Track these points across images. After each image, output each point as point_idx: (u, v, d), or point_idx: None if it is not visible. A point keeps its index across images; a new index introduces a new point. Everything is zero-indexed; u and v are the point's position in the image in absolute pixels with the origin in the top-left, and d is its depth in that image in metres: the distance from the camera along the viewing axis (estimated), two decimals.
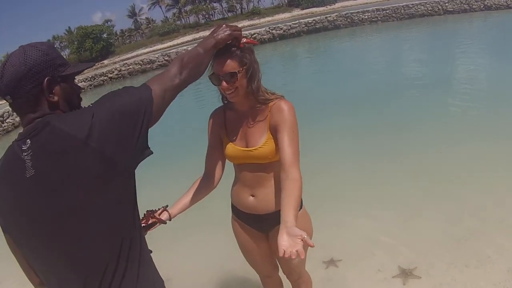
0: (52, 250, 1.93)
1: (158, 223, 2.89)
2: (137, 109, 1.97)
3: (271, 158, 2.99)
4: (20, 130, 1.97)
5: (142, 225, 2.78)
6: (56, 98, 1.96)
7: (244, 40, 2.85)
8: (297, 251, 2.08)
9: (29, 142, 1.87)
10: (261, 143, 2.96)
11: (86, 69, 2.16)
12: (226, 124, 3.19)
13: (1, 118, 27.68)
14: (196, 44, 2.50)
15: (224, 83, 2.83)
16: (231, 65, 2.79)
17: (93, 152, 1.81)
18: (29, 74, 1.87)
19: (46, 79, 1.91)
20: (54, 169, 1.83)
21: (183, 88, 2.27)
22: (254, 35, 44.21)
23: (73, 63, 2.08)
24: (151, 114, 2.02)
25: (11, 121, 28.24)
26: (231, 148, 3.10)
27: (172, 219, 2.98)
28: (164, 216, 2.94)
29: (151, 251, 2.34)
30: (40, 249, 1.96)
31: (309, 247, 2.16)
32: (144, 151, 2.02)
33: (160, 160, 11.42)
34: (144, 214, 2.89)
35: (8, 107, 28.36)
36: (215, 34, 2.55)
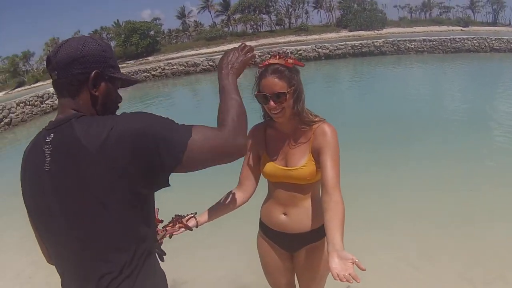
0: (62, 242, 1.96)
1: (184, 229, 2.89)
2: (168, 145, 1.83)
3: (309, 179, 2.99)
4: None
5: (167, 228, 2.79)
6: (97, 93, 1.98)
7: (291, 61, 2.86)
8: (350, 274, 2.09)
9: (52, 136, 1.91)
10: (302, 164, 2.96)
11: (133, 83, 2.23)
12: (267, 142, 3.20)
13: (41, 99, 28.56)
14: (222, 87, 2.24)
15: (271, 103, 2.83)
16: (279, 85, 2.80)
17: (102, 165, 1.79)
18: (82, 59, 1.91)
19: (95, 71, 1.94)
20: (66, 171, 1.85)
21: (234, 157, 2.00)
22: (300, 52, 44.30)
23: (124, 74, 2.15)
24: (179, 159, 1.85)
25: (50, 102, 29.21)
26: (271, 166, 3.10)
27: (198, 227, 2.97)
28: (191, 223, 2.93)
29: (162, 260, 2.33)
30: (53, 237, 2.01)
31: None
32: (161, 185, 1.94)
33: None
34: (172, 218, 2.91)
35: (49, 89, 29.26)
36: (230, 66, 2.30)
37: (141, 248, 1.97)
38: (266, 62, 2.91)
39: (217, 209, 3.11)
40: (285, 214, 3.13)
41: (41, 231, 2.06)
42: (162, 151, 1.81)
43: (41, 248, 2.22)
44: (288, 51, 43.84)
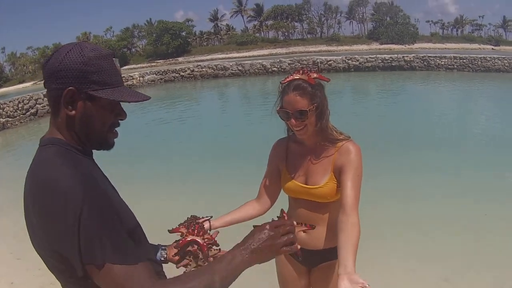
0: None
1: None
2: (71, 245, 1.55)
3: (330, 198, 2.93)
4: None
5: (181, 231, 2.80)
6: (73, 112, 1.76)
7: (315, 75, 2.81)
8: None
9: (35, 155, 1.81)
10: (323, 182, 2.91)
11: (131, 101, 1.81)
12: (288, 157, 3.16)
13: None
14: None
15: (293, 120, 2.79)
16: (301, 102, 2.75)
17: (30, 213, 1.68)
18: (58, 74, 1.73)
19: (68, 88, 1.72)
20: (29, 206, 1.71)
21: None
22: (330, 62, 44.00)
23: (123, 87, 1.85)
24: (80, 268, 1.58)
25: None
26: (290, 182, 3.06)
27: (211, 231, 2.93)
28: (205, 225, 2.88)
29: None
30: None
31: None
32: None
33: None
34: (188, 218, 2.90)
35: None
36: (253, 247, 1.74)
37: None
38: (289, 78, 2.85)
39: (233, 217, 3.11)
40: (304, 231, 3.13)
41: None
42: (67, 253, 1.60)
43: None
44: (318, 61, 43.83)
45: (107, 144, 1.91)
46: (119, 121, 1.92)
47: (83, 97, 1.74)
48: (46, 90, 1.80)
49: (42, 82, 1.83)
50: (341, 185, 2.79)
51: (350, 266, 2.28)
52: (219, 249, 2.29)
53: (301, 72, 2.84)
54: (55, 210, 1.56)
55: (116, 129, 1.94)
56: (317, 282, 3.29)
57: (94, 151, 1.94)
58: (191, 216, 2.87)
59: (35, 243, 1.76)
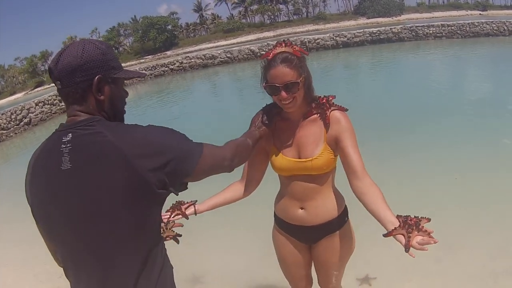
0: (78, 242, 1.96)
1: (180, 216, 3.00)
2: (183, 154, 2.06)
3: (325, 169, 2.90)
4: None
5: (166, 217, 2.94)
6: (102, 97, 2.03)
7: (297, 48, 2.78)
8: (417, 243, 2.11)
9: (71, 135, 1.92)
10: (317, 154, 2.85)
11: (137, 77, 2.32)
12: (274, 135, 3.07)
13: (60, 98, 29.19)
14: (244, 135, 2.73)
15: (283, 94, 2.72)
16: (291, 74, 2.69)
17: (131, 170, 1.85)
18: (83, 67, 1.94)
19: (97, 77, 1.97)
20: (90, 170, 1.87)
21: (226, 171, 2.39)
22: (318, 40, 43.98)
23: (124, 67, 2.22)
24: (193, 169, 2.10)
25: None
26: (282, 159, 2.98)
27: (197, 215, 3.07)
28: (190, 210, 3.03)
29: (178, 242, 2.66)
30: (67, 238, 1.99)
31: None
32: (175, 191, 2.08)
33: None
34: (173, 204, 3.01)
35: None
36: (257, 126, 2.87)
37: (153, 249, 2.05)
38: (274, 51, 2.77)
39: (218, 200, 3.15)
40: (302, 208, 3.04)
41: (51, 233, 2.05)
42: (182, 162, 2.03)
43: (52, 254, 2.20)
44: (305, 40, 43.79)
45: (123, 118, 2.23)
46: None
47: (109, 82, 2.05)
48: (63, 86, 1.99)
49: (52, 84, 2.15)
50: (343, 153, 2.80)
51: (395, 220, 2.31)
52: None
53: (283, 45, 2.79)
54: (164, 143, 2.01)
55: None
56: (320, 256, 3.26)
57: None
58: (176, 202, 3.02)
59: (91, 207, 1.90)
